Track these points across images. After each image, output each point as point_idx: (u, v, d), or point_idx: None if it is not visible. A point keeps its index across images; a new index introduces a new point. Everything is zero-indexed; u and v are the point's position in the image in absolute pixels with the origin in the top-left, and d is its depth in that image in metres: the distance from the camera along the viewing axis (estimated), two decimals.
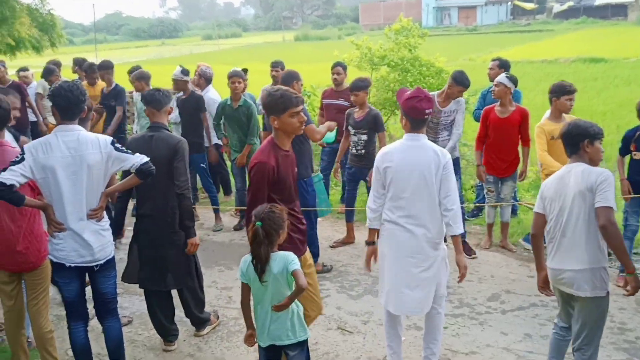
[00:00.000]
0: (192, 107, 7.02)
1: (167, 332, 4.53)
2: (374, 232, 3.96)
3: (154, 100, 4.29)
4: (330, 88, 7.73)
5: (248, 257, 3.34)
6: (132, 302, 5.30)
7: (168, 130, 4.38)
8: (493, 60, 7.19)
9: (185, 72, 7.05)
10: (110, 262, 3.80)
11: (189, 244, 4.30)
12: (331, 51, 10.39)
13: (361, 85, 6.05)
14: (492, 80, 6.61)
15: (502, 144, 6.01)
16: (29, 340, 4.20)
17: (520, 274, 5.69)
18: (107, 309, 3.88)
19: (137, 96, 7.52)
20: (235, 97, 6.66)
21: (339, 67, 7.31)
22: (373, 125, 6.07)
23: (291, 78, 5.59)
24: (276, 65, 7.76)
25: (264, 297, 3.32)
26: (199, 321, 4.64)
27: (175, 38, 75.86)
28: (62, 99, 3.55)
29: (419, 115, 3.70)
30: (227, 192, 8.36)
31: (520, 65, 19.74)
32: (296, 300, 3.34)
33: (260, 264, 3.21)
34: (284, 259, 3.25)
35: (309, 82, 10.95)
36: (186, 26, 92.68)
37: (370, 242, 3.99)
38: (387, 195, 3.80)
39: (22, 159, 3.45)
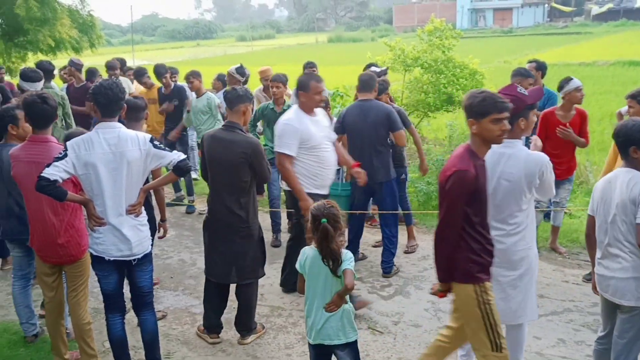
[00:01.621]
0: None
1: (214, 325, 4.64)
2: None
3: (227, 100, 4.45)
4: None
5: (309, 251, 3.40)
6: (166, 297, 5.40)
7: (241, 130, 4.42)
8: (529, 62, 7.10)
9: (241, 72, 7.19)
10: (148, 257, 3.89)
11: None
12: (364, 53, 10.40)
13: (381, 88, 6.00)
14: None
15: (563, 147, 5.80)
16: (67, 331, 4.33)
17: (554, 278, 5.62)
18: (143, 303, 3.98)
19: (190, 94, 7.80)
20: (278, 101, 6.38)
21: (374, 69, 7.30)
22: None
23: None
24: (311, 66, 7.78)
25: (317, 294, 3.37)
26: (247, 327, 4.62)
27: (209, 39, 76.70)
28: (103, 96, 3.65)
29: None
30: (260, 191, 8.42)
31: (556, 68, 19.42)
32: (348, 300, 3.38)
33: (334, 259, 3.27)
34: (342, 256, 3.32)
35: (342, 84, 11.00)
36: (221, 27, 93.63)
37: None
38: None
39: (65, 155, 3.56)
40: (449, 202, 3.16)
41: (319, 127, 4.91)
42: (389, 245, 5.70)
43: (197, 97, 7.52)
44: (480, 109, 3.16)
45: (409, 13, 67.35)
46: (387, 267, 5.70)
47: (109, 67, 8.94)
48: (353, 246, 5.72)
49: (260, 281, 5.55)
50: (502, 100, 3.20)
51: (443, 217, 3.21)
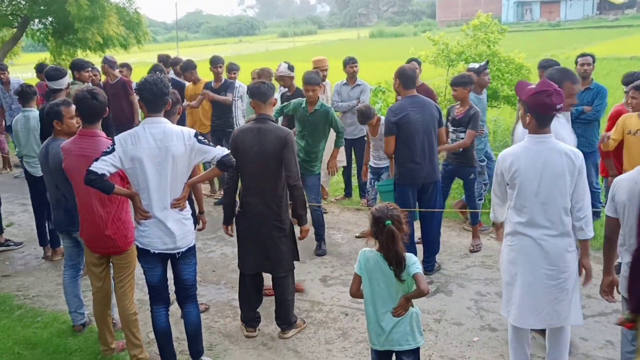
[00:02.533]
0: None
1: (251, 318, 4.70)
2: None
3: (260, 93, 4.44)
4: None
5: (369, 254, 3.34)
6: (208, 290, 5.48)
7: (274, 122, 4.50)
8: (582, 56, 6.78)
9: (291, 67, 7.09)
10: (191, 250, 3.95)
11: (302, 231, 4.53)
12: (406, 48, 10.35)
13: (460, 82, 5.89)
14: (583, 77, 6.38)
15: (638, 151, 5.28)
16: (114, 321, 4.44)
17: (601, 278, 5.44)
18: (186, 295, 4.05)
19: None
20: (312, 103, 6.01)
21: (414, 63, 7.23)
22: (469, 123, 5.85)
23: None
24: (353, 62, 7.74)
25: (380, 298, 3.31)
26: (286, 321, 4.65)
27: (252, 36, 77.33)
28: (148, 92, 3.71)
29: (548, 111, 3.41)
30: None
31: (606, 62, 18.82)
32: (413, 302, 3.32)
33: (400, 262, 3.20)
34: (406, 260, 3.25)
35: (384, 79, 10.93)
36: (263, 24, 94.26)
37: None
38: (512, 203, 3.60)
39: (113, 150, 3.64)
40: None
41: None
42: (431, 244, 5.64)
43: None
44: None
45: (453, 7, 66.34)
46: (429, 265, 5.63)
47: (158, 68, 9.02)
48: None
49: (302, 276, 5.61)
50: None
51: None
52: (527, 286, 3.57)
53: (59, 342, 4.58)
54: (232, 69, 8.18)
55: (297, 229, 4.66)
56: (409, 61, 7.32)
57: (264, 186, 4.39)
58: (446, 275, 5.63)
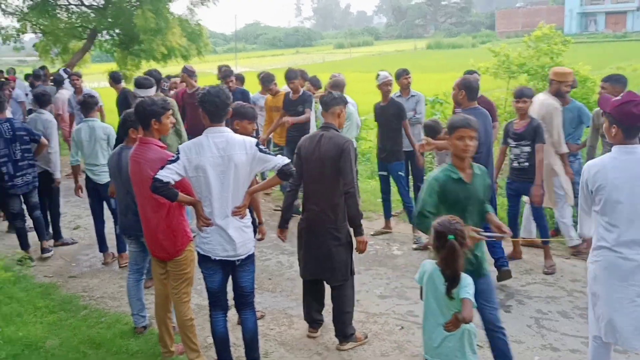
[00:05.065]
0: (391, 114, 6.86)
1: (313, 320, 4.80)
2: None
3: (322, 103, 4.59)
4: None
5: (428, 266, 3.34)
6: (264, 298, 5.54)
7: (336, 130, 4.56)
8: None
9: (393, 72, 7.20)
10: (251, 258, 4.01)
11: (358, 242, 4.51)
12: (463, 59, 10.28)
13: (530, 94, 5.79)
14: None
15: None
16: (173, 325, 4.55)
17: None
18: (245, 302, 4.11)
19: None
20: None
21: (476, 74, 7.16)
22: (535, 137, 5.72)
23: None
24: (407, 73, 7.71)
25: (432, 310, 3.31)
26: (342, 333, 4.64)
27: (308, 47, 78.12)
28: (210, 103, 3.81)
29: (635, 121, 3.34)
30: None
31: None
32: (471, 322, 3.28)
33: (456, 278, 3.17)
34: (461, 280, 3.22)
35: (441, 91, 10.84)
36: (320, 35, 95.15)
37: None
38: (599, 217, 3.49)
39: (178, 159, 3.76)
40: None
41: None
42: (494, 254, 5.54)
43: None
44: None
45: (513, 18, 65.19)
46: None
47: (224, 75, 9.23)
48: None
49: (357, 287, 5.57)
50: None
51: None
52: (617, 305, 3.43)
53: (122, 343, 4.72)
54: (313, 82, 8.25)
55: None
56: (467, 73, 7.24)
57: (322, 193, 4.46)
58: (505, 291, 5.50)
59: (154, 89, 6.42)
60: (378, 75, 7.03)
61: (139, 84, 6.34)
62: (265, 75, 8.54)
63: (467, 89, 5.34)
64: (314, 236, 4.52)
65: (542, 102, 6.01)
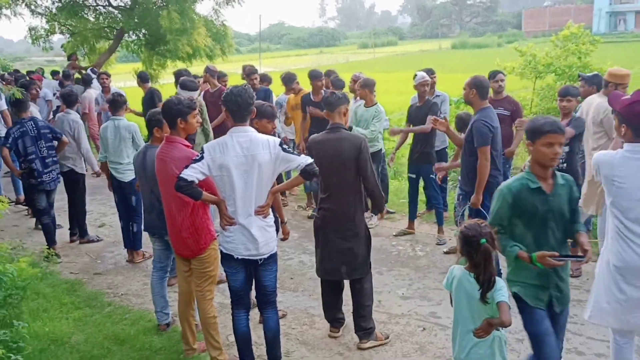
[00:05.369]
0: (425, 114, 6.76)
1: (334, 319, 4.81)
2: None
3: (327, 103, 4.58)
4: (488, 97, 7.49)
5: (457, 271, 3.31)
6: (286, 297, 5.55)
7: (346, 130, 4.59)
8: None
9: (431, 71, 7.19)
10: (273, 257, 4.02)
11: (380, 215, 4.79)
12: (489, 59, 10.16)
13: (575, 92, 5.71)
14: None
15: None
16: (196, 323, 4.59)
17: None
18: (267, 301, 4.11)
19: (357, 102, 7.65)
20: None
21: (501, 75, 7.08)
22: (576, 137, 5.64)
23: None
24: (432, 73, 7.66)
25: (462, 316, 3.28)
26: (362, 328, 4.65)
27: (332, 47, 78.03)
28: (232, 103, 3.84)
29: None
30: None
31: None
32: (500, 328, 3.24)
33: (490, 282, 3.12)
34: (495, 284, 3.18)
35: None
36: (344, 35, 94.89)
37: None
38: (614, 211, 3.45)
39: (202, 158, 3.78)
40: None
41: None
42: None
43: (365, 107, 7.26)
44: None
45: (540, 17, 64.25)
46: None
47: (248, 73, 9.26)
48: None
49: (379, 288, 5.58)
50: None
51: None
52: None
53: (145, 339, 4.78)
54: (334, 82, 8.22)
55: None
56: (493, 73, 7.17)
57: (339, 192, 4.48)
58: None
59: (197, 92, 6.43)
60: (415, 75, 7.02)
61: (184, 86, 6.39)
62: (287, 76, 8.61)
63: (478, 88, 5.36)
64: (332, 234, 4.55)
65: (598, 105, 5.73)
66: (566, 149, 5.63)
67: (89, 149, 7.14)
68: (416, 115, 6.93)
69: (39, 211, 6.85)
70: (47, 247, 6.51)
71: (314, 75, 7.93)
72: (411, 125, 7.07)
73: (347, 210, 4.50)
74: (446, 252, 6.53)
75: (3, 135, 7.23)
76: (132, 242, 6.63)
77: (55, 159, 6.72)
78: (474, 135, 5.36)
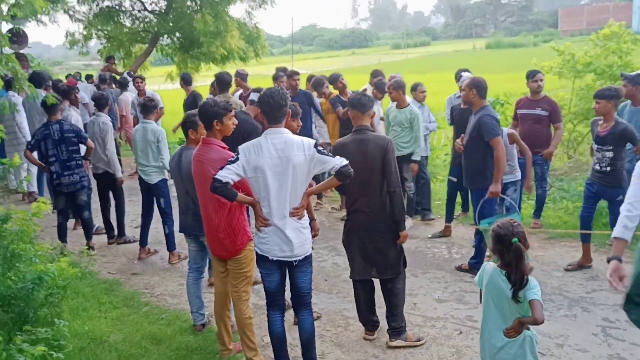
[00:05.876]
0: (468, 117, 6.54)
1: (368, 322, 4.78)
2: (622, 243, 3.43)
3: (360, 104, 4.54)
4: (525, 97, 7.38)
5: (488, 268, 3.31)
6: (320, 299, 5.54)
7: (372, 131, 4.59)
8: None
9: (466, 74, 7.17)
10: (308, 259, 4.02)
11: (401, 236, 4.54)
12: (525, 59, 9.99)
13: (606, 94, 5.53)
14: None
15: None
16: (232, 323, 4.61)
17: None
18: (302, 303, 4.11)
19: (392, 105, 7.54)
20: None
21: (540, 74, 6.96)
22: (620, 141, 5.52)
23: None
24: (465, 72, 7.55)
25: (492, 314, 3.26)
26: (392, 327, 4.64)
27: (365, 47, 77.81)
28: (265, 104, 3.86)
29: None
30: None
31: None
32: (531, 328, 3.22)
33: (522, 281, 3.10)
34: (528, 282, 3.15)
35: (502, 92, 10.57)
36: (376, 36, 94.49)
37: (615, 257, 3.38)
38: None
39: (237, 159, 3.80)
40: None
41: None
42: None
43: (397, 108, 7.26)
44: None
45: (577, 16, 62.86)
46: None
47: (290, 74, 9.25)
48: None
49: (415, 290, 5.53)
50: None
51: None
52: None
53: (181, 339, 4.82)
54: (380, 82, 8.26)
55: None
56: (531, 72, 7.05)
57: (368, 193, 4.47)
58: (569, 297, 5.31)
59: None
60: (460, 75, 6.95)
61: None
62: (316, 80, 8.62)
63: (478, 88, 5.58)
64: (362, 237, 4.55)
65: None
66: (610, 154, 5.52)
67: (114, 151, 7.22)
68: (460, 118, 6.85)
69: (57, 212, 6.97)
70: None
71: (333, 79, 8.21)
72: (454, 128, 7.14)
73: (379, 213, 4.48)
74: (488, 255, 6.41)
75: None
76: (145, 240, 6.87)
77: (79, 162, 6.78)
78: (482, 131, 5.49)
